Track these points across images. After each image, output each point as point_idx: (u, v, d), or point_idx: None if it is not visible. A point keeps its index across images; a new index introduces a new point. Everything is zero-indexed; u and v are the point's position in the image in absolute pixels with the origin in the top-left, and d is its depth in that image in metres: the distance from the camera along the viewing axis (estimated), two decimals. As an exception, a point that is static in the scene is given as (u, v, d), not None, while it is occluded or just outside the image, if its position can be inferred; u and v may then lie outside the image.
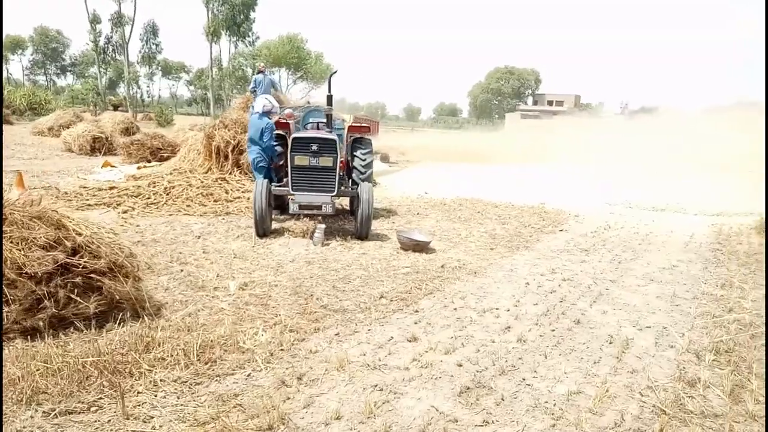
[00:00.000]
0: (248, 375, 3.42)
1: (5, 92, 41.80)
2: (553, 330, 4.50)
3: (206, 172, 11.66)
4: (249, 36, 58.70)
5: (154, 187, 9.66)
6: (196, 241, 6.91)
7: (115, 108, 44.17)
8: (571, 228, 9.25)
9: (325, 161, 7.12)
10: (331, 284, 5.40)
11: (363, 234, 7.34)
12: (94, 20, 43.71)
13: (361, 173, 8.77)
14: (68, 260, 3.83)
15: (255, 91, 12.22)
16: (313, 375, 3.48)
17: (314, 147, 7.07)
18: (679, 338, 4.42)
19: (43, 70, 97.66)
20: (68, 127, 19.34)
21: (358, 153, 8.89)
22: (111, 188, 9.89)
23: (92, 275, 3.97)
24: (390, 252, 6.87)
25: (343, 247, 7.00)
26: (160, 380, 3.23)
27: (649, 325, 4.71)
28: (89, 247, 3.99)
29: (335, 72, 8.54)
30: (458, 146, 24.58)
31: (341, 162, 8.64)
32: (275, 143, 8.30)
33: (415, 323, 4.51)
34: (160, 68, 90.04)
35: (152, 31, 54.26)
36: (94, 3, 68.05)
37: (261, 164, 8.10)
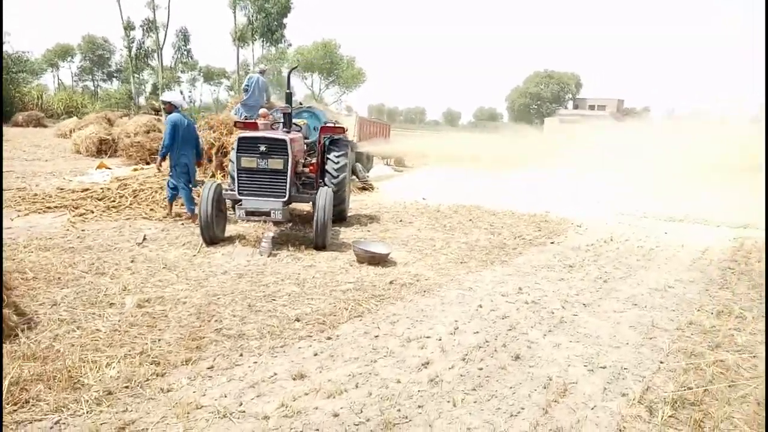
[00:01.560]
0: (57, 422, 2.79)
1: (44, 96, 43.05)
2: (481, 368, 3.70)
3: (191, 175, 11.21)
4: (282, 42, 59.12)
5: (123, 189, 9.22)
6: (132, 248, 6.38)
7: (156, 112, 44.87)
8: (567, 240, 8.33)
9: (275, 163, 6.48)
10: (248, 303, 4.74)
11: (319, 243, 6.66)
12: (128, 27, 44.65)
13: (333, 177, 8.12)
14: None
15: (247, 89, 11.73)
16: (142, 425, 2.82)
17: (262, 148, 6.44)
18: (635, 384, 3.55)
19: (90, 76, 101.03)
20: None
21: (331, 155, 8.26)
22: (84, 190, 9.51)
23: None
24: (342, 265, 6.16)
25: (292, 258, 6.34)
26: (-64, 428, 2.62)
27: (604, 365, 3.85)
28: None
29: (295, 68, 7.99)
30: (480, 149, 23.33)
31: (312, 165, 8.05)
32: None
33: (315, 355, 3.79)
34: (201, 74, 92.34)
35: (184, 37, 55.18)
36: (130, 10, 69.67)
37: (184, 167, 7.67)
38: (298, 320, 4.42)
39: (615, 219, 10.37)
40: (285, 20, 59.10)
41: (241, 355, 3.71)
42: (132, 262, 5.82)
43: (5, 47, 39.02)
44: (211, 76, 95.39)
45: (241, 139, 6.50)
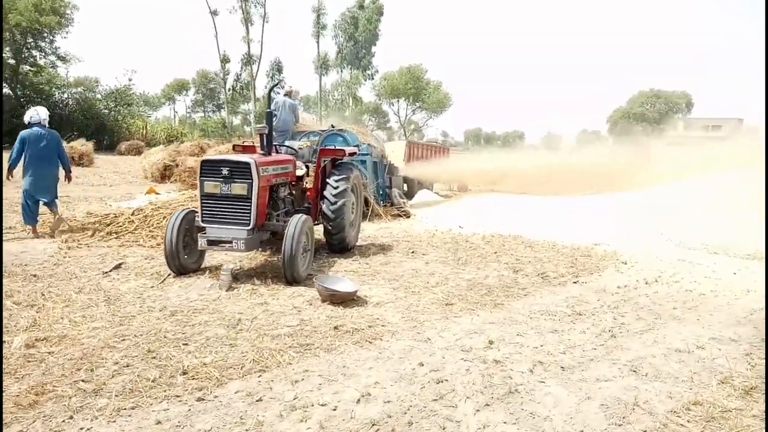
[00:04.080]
0: None
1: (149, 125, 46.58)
2: (353, 457, 2.82)
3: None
4: (369, 69, 60.37)
5: (138, 213, 9.17)
6: (93, 277, 6.09)
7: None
8: (599, 279, 7.04)
9: (238, 188, 5.95)
10: (149, 347, 4.17)
11: (288, 277, 6.01)
12: (224, 60, 47.52)
13: (331, 203, 7.48)
14: None
15: (275, 114, 11.47)
16: None
17: (225, 171, 5.95)
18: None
19: (202, 108, 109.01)
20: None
21: (330, 180, 7.63)
22: (106, 215, 9.61)
23: None
24: (300, 303, 5.46)
25: (252, 292, 5.73)
26: None
27: (527, 465, 2.81)
28: None
29: (276, 84, 7.44)
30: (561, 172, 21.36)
31: (310, 189, 7.52)
32: None
33: (159, 423, 3.10)
34: (301, 103, 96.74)
35: (277, 68, 57.68)
36: (226, 44, 75.00)
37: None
38: (185, 373, 3.76)
39: (675, 254, 8.75)
40: (373, 48, 60.45)
41: (72, 417, 3.11)
42: (78, 292, 5.50)
43: (124, 82, 42.41)
44: (311, 104, 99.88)
45: (204, 163, 6.07)
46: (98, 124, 38.71)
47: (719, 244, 9.35)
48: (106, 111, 39.14)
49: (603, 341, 4.75)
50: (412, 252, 8.31)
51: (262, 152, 6.75)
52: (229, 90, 50.04)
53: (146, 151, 28.34)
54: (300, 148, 8.08)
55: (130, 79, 42.08)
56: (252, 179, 5.93)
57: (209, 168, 6.01)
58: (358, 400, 3.47)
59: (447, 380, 3.80)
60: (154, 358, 4.00)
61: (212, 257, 7.20)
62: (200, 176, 6.04)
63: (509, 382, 3.81)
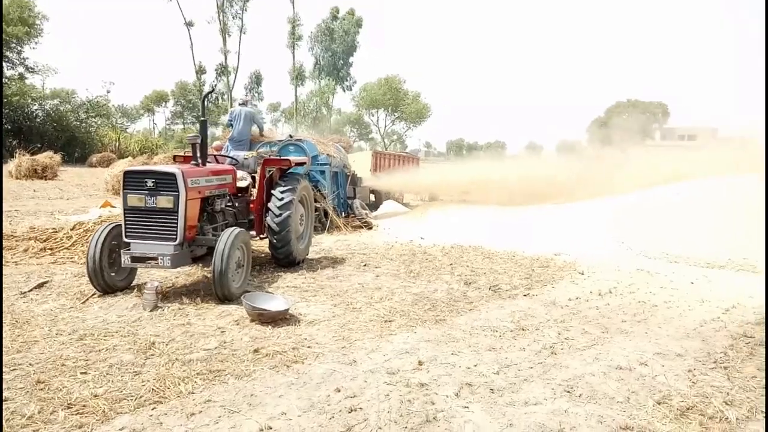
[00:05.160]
0: None
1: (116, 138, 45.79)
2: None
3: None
4: (347, 80, 60.27)
5: (78, 228, 8.74)
6: (9, 298, 5.68)
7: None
8: (552, 291, 6.79)
9: (164, 201, 5.60)
10: (38, 377, 3.79)
11: (219, 295, 5.66)
12: (200, 71, 46.98)
13: (276, 215, 7.16)
14: None
15: (232, 124, 11.15)
16: None
17: (150, 183, 5.59)
18: None
19: (181, 120, 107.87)
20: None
21: (276, 191, 7.31)
22: (44, 230, 9.16)
23: None
24: (226, 323, 5.10)
25: (177, 312, 5.36)
26: None
27: None
28: None
29: (211, 91, 7.16)
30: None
31: (252, 201, 7.20)
32: None
33: (15, 468, 2.74)
34: (283, 115, 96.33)
35: (257, 80, 57.14)
36: (206, 56, 74.31)
37: None
38: (69, 407, 3.39)
39: (635, 263, 8.55)
40: (351, 59, 60.37)
41: None
42: (-15, 316, 5.08)
43: (99, 93, 41.64)
44: (292, 116, 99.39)
45: (127, 174, 5.71)
46: (69, 136, 37.93)
47: (680, 252, 9.19)
48: (77, 123, 38.35)
49: (542, 359, 4.47)
50: (365, 265, 8.00)
51: (194, 162, 6.41)
52: (202, 101, 49.44)
53: (115, 163, 27.79)
54: (246, 158, 7.77)
55: (108, 91, 41.42)
56: (178, 191, 5.58)
57: (133, 180, 5.65)
58: (255, 435, 3.14)
59: (362, 408, 3.48)
60: (41, 390, 3.62)
61: (147, 273, 6.82)
62: (123, 188, 5.67)
63: (429, 408, 3.50)
